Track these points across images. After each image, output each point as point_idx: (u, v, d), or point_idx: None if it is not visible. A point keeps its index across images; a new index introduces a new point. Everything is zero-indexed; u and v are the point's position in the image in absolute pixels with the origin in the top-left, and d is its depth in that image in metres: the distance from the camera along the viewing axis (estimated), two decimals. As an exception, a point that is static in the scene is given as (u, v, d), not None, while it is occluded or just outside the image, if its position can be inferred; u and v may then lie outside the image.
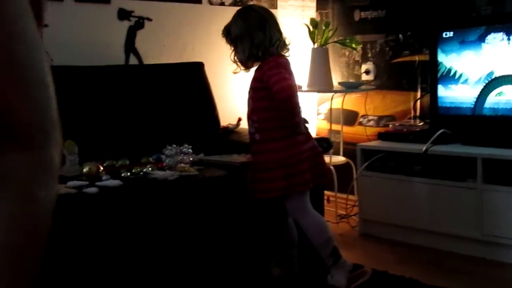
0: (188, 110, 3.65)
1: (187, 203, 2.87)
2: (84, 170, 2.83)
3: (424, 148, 3.49)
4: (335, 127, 4.34)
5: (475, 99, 3.57)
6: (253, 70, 2.82)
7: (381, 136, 3.94)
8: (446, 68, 3.69)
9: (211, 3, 4.20)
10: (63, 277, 2.49)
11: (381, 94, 4.32)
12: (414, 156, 3.57)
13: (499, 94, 3.46)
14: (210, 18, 4.12)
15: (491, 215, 3.25)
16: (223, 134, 3.71)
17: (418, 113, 4.10)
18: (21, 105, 0.71)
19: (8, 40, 0.68)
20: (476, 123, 3.59)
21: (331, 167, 3.73)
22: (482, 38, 3.51)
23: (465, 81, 3.60)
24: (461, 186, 3.36)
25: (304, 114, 2.85)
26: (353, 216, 4.07)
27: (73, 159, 2.89)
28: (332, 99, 4.23)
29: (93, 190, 2.64)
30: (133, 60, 3.84)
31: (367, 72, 4.40)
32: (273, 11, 3.19)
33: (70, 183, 2.70)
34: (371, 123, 4.38)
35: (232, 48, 2.82)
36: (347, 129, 4.45)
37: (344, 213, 4.13)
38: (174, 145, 3.09)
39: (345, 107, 4.38)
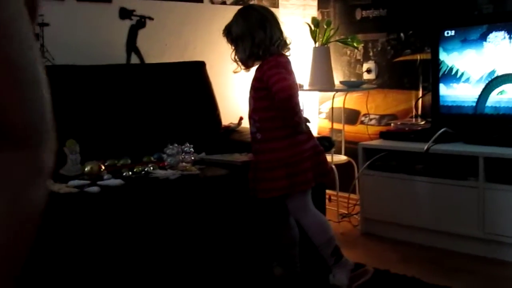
0: (190, 109, 3.66)
1: (188, 202, 2.87)
2: (86, 169, 2.83)
3: (425, 147, 3.49)
4: (337, 126, 4.34)
5: (476, 98, 3.56)
6: (253, 69, 2.82)
7: (382, 135, 3.94)
8: (447, 66, 3.69)
9: (212, 2, 4.20)
10: (65, 277, 2.50)
11: (382, 93, 4.32)
12: (415, 155, 3.57)
13: (501, 92, 3.46)
14: (212, 17, 4.12)
15: (493, 214, 3.25)
16: (224, 133, 3.71)
17: (419, 112, 4.10)
18: (14, 106, 0.70)
19: (2, 41, 0.68)
20: (478, 122, 3.59)
21: (333, 166, 3.73)
22: (483, 37, 3.51)
23: (467, 80, 3.60)
24: (462, 185, 3.36)
25: (305, 113, 2.85)
26: (354, 215, 4.07)
27: (74, 158, 2.89)
28: (333, 98, 4.23)
29: (94, 189, 2.65)
30: (134, 59, 3.84)
31: (368, 71, 4.40)
32: (274, 10, 3.19)
33: (72, 182, 2.70)
34: (373, 122, 4.38)
35: (233, 48, 2.82)
36: (348, 128, 4.45)
37: (346, 212, 4.13)
38: (176, 144, 3.09)
39: (346, 106, 4.38)
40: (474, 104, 3.58)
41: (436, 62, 3.75)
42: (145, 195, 2.76)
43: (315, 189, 2.87)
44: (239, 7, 3.02)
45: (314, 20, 4.19)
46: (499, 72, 3.46)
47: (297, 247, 2.97)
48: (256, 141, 2.80)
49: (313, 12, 4.73)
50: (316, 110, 4.76)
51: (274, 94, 2.63)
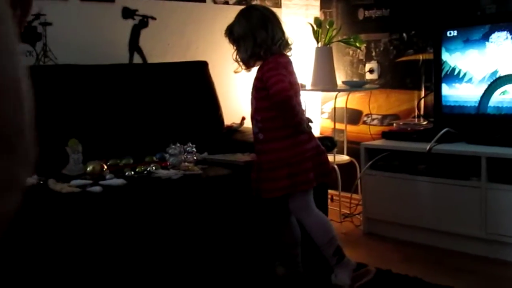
0: (192, 109, 3.66)
1: (191, 202, 2.87)
2: (88, 169, 2.83)
3: (428, 147, 3.49)
4: (339, 126, 4.34)
5: (479, 98, 3.56)
6: (255, 69, 2.82)
7: (385, 135, 3.94)
8: (450, 67, 3.69)
9: (215, 2, 4.20)
10: (66, 276, 2.50)
11: (385, 93, 4.31)
12: (418, 155, 3.57)
13: (503, 93, 3.46)
14: (214, 17, 4.12)
15: (495, 214, 3.24)
16: (227, 133, 3.71)
17: (422, 112, 4.10)
18: None
19: None
20: (480, 122, 3.58)
21: (335, 166, 3.72)
22: (486, 37, 3.50)
23: (469, 80, 3.60)
24: (465, 185, 3.36)
25: (308, 113, 2.85)
26: (357, 215, 4.07)
27: (77, 157, 2.90)
28: (336, 98, 4.23)
29: (97, 189, 2.65)
30: (137, 59, 3.84)
31: (371, 71, 4.39)
32: (277, 10, 3.20)
33: (74, 182, 2.70)
34: (375, 122, 4.37)
35: (235, 48, 2.83)
36: (351, 128, 4.45)
37: (348, 212, 4.13)
38: (178, 144, 3.10)
39: (349, 106, 4.38)
40: (476, 104, 3.58)
41: (438, 62, 3.75)
42: (147, 195, 2.77)
43: (317, 189, 2.87)
44: (241, 7, 3.03)
45: (316, 20, 4.19)
46: (501, 72, 3.45)
47: (299, 246, 2.97)
48: (259, 141, 2.80)
49: (316, 12, 4.72)
50: (319, 110, 4.76)
51: (271, 96, 2.63)
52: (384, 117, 4.33)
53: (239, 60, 2.82)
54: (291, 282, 2.95)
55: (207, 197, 2.92)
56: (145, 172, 2.96)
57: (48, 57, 3.47)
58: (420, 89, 4.12)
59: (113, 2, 3.74)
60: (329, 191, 3.61)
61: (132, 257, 2.67)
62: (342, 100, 4.35)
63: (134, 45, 3.84)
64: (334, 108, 4.30)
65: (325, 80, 4.16)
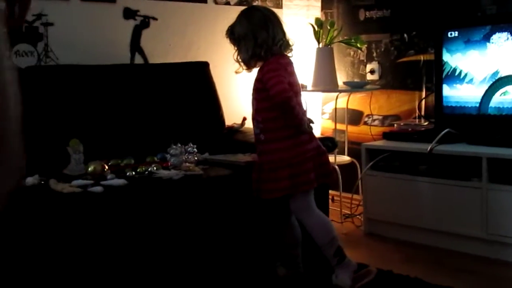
0: (193, 110, 3.66)
1: (192, 203, 2.87)
2: (89, 169, 2.83)
3: (429, 148, 3.49)
4: (340, 126, 4.34)
5: (480, 99, 3.56)
6: (255, 70, 2.83)
7: (386, 136, 3.94)
8: (451, 67, 3.69)
9: (216, 3, 4.21)
10: (68, 276, 2.50)
11: (386, 94, 4.32)
12: (419, 156, 3.57)
13: (504, 93, 3.46)
14: (216, 18, 4.13)
15: (496, 215, 3.25)
16: (228, 133, 3.71)
17: (423, 113, 4.10)
18: None
19: None
20: (481, 123, 3.58)
21: (336, 167, 3.72)
22: (487, 38, 3.50)
23: (470, 81, 3.60)
24: (466, 186, 3.36)
25: (309, 114, 2.85)
26: (357, 216, 4.07)
27: (78, 158, 2.90)
28: (337, 98, 4.23)
29: (98, 189, 2.65)
30: (138, 59, 3.85)
31: (372, 71, 4.40)
32: (278, 10, 3.20)
33: (75, 182, 2.70)
34: (376, 122, 4.38)
35: (235, 48, 2.83)
36: (352, 129, 4.45)
37: (349, 212, 4.13)
38: (179, 144, 3.10)
39: (350, 106, 4.38)
40: (477, 105, 3.58)
41: (439, 63, 3.75)
42: (148, 195, 2.77)
43: (318, 189, 2.88)
44: (243, 7, 3.03)
45: (317, 20, 4.20)
46: (502, 73, 3.46)
47: (300, 247, 2.97)
48: (260, 142, 2.80)
49: (317, 12, 4.73)
50: (320, 110, 4.76)
51: (271, 97, 2.64)
52: (385, 117, 4.33)
53: (240, 60, 2.83)
54: (292, 282, 2.95)
55: (208, 198, 2.92)
56: (146, 172, 2.97)
57: (50, 57, 3.48)
58: (421, 90, 4.12)
59: (115, 3, 3.75)
60: (330, 191, 3.61)
61: (133, 257, 2.68)
62: (343, 101, 4.35)
63: (135, 46, 3.84)
64: (335, 108, 4.30)
65: (326, 81, 4.16)
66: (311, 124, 2.82)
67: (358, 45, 4.20)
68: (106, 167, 2.88)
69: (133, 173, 2.93)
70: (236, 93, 4.23)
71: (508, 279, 3.06)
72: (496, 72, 3.48)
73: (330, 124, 4.64)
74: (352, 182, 4.12)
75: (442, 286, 2.88)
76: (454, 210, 3.41)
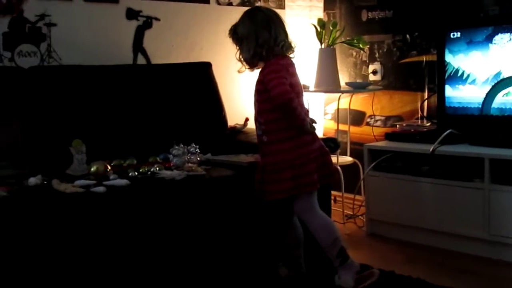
0: (196, 110, 3.66)
1: (194, 203, 2.87)
2: (92, 169, 2.84)
3: (431, 148, 3.49)
4: (342, 127, 4.34)
5: (482, 99, 3.56)
6: (257, 70, 2.83)
7: (388, 136, 3.94)
8: (453, 68, 3.69)
9: (219, 3, 4.21)
10: (70, 276, 2.50)
11: (388, 94, 4.32)
12: (421, 156, 3.57)
13: (507, 94, 3.46)
14: (218, 18, 4.13)
15: (498, 215, 3.25)
16: (230, 134, 3.72)
17: (425, 113, 4.10)
18: None
19: None
20: (484, 123, 3.58)
21: (338, 167, 3.73)
22: (489, 39, 3.50)
23: (473, 82, 3.60)
24: (468, 186, 3.36)
25: (311, 114, 2.85)
26: (360, 216, 4.07)
27: (80, 158, 2.90)
28: (339, 99, 4.24)
29: (100, 189, 2.65)
30: (141, 60, 3.85)
31: (374, 72, 4.40)
32: (280, 11, 3.20)
33: (78, 182, 2.71)
34: (378, 123, 4.38)
35: (238, 47, 2.84)
36: (354, 129, 4.45)
37: (351, 213, 4.13)
38: (182, 145, 3.10)
39: (352, 107, 4.38)
40: (480, 106, 3.58)
41: (442, 64, 3.75)
42: (151, 195, 2.77)
43: (321, 190, 2.88)
44: (245, 8, 3.04)
45: (320, 21, 4.20)
46: (505, 74, 3.45)
47: (302, 247, 2.98)
48: (263, 143, 2.80)
49: (319, 13, 4.73)
50: (322, 111, 4.76)
51: (272, 99, 2.64)
52: (388, 118, 4.33)
53: (242, 59, 2.83)
54: (294, 283, 2.95)
55: (210, 198, 2.92)
56: (149, 172, 2.97)
57: (53, 58, 3.48)
58: (423, 91, 4.12)
59: (117, 3, 3.75)
60: (332, 192, 3.61)
61: (135, 257, 2.68)
62: (345, 101, 4.35)
63: (138, 46, 3.85)
64: (338, 109, 4.30)
65: (328, 81, 4.16)
66: (313, 124, 2.82)
67: (361, 45, 4.20)
68: (109, 167, 2.88)
69: (136, 173, 2.94)
70: (239, 94, 4.24)
71: (510, 280, 3.06)
72: (499, 73, 3.48)
73: (332, 125, 4.64)
74: (354, 183, 4.12)
75: (444, 286, 2.88)
76: (456, 211, 3.40)
